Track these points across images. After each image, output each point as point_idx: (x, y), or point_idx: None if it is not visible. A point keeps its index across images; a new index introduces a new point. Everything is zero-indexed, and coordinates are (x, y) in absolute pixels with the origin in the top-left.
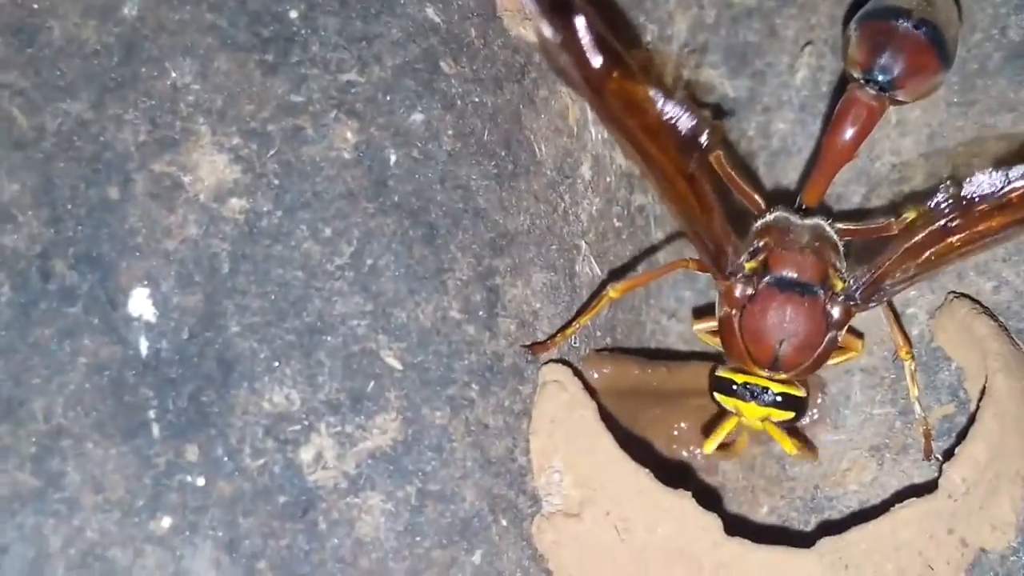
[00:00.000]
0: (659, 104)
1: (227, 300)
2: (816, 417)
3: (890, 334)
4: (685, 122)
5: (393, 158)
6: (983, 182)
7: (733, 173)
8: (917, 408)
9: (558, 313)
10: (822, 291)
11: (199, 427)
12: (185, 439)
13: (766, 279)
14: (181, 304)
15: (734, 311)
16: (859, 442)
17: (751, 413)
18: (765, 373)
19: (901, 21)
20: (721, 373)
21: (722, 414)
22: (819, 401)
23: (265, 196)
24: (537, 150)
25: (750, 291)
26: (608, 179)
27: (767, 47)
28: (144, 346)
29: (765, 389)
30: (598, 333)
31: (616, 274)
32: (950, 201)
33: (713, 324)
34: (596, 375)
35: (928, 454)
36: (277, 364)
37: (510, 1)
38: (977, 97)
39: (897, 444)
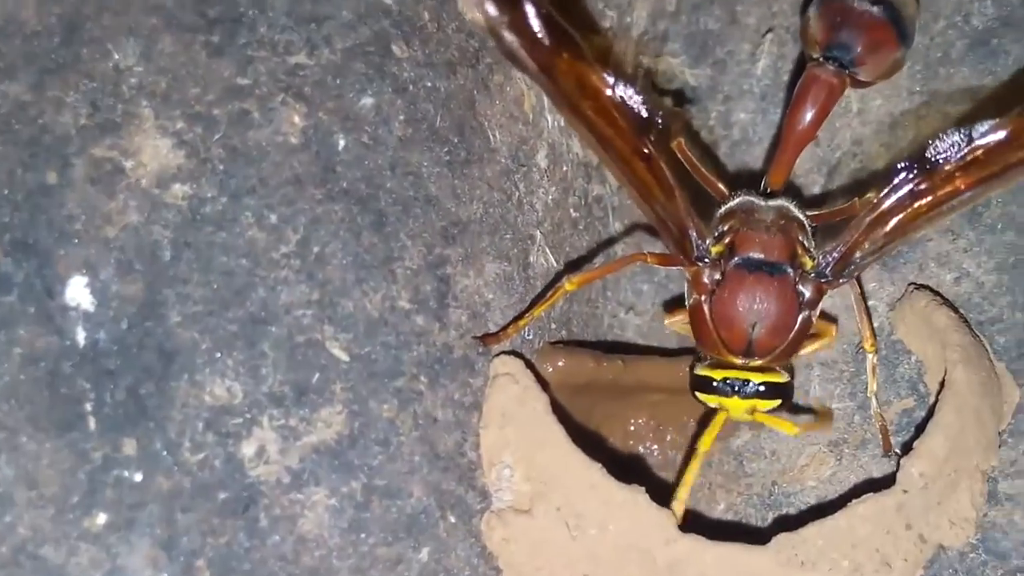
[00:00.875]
0: (612, 85)
1: (168, 289)
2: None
3: (851, 326)
4: (639, 102)
5: (342, 143)
6: (946, 143)
7: (696, 161)
8: (874, 403)
9: (511, 304)
10: (792, 270)
11: (137, 420)
12: (122, 433)
13: (734, 261)
14: (120, 293)
15: (703, 297)
16: (817, 437)
17: (736, 407)
18: (740, 361)
19: (858, 0)
20: (699, 371)
21: (710, 411)
22: None
23: (209, 182)
24: (491, 137)
25: (718, 275)
26: (565, 168)
27: (728, 35)
28: (81, 336)
29: (746, 382)
30: (553, 326)
31: (572, 266)
32: (915, 166)
33: (685, 316)
34: (550, 368)
35: (887, 449)
36: (219, 355)
37: None
38: (939, 86)
39: (856, 439)
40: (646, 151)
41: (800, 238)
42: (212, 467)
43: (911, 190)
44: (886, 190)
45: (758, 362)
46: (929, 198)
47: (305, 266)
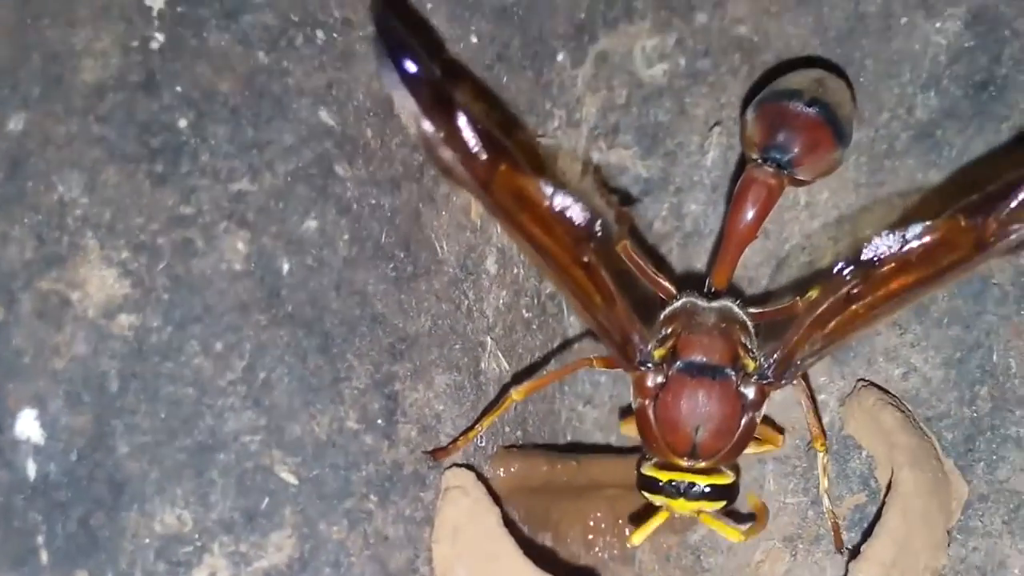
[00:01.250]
0: (550, 195)
1: (116, 420)
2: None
3: (803, 422)
4: (578, 211)
5: (286, 267)
6: (880, 245)
7: (642, 261)
8: (825, 501)
9: (463, 413)
10: (734, 372)
11: (89, 552)
12: (75, 565)
13: (676, 365)
14: (70, 425)
15: (647, 401)
16: (773, 532)
17: (682, 508)
18: (686, 463)
19: (795, 102)
20: (646, 471)
21: (651, 506)
22: None
23: (155, 311)
24: (439, 248)
25: (661, 379)
26: (515, 270)
27: (678, 127)
28: (32, 469)
29: (692, 484)
30: (507, 429)
31: (528, 369)
32: (850, 268)
33: None
34: (504, 473)
35: (838, 546)
36: (168, 484)
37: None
38: (885, 178)
39: (810, 535)
40: (585, 260)
41: (742, 340)
42: None
43: (848, 293)
44: (824, 292)
45: (703, 464)
46: (865, 300)
47: (251, 392)
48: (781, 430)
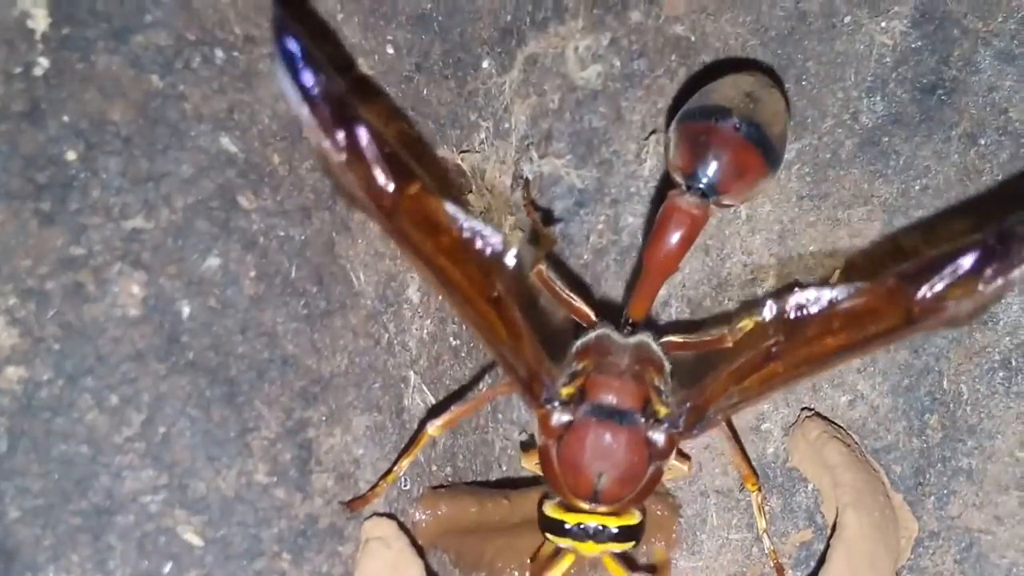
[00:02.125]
0: (459, 223)
1: (5, 482)
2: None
3: (750, 451)
4: (489, 240)
5: (186, 311)
6: (807, 303)
7: (559, 288)
8: (766, 541)
9: (384, 455)
10: (643, 419)
11: None
12: None
13: (583, 407)
14: None
15: (551, 441)
16: (716, 570)
17: (589, 550)
18: (587, 507)
19: (721, 121)
20: (550, 513)
21: (557, 550)
22: (675, 526)
23: (44, 363)
24: (355, 280)
25: (567, 419)
26: (440, 297)
27: (614, 133)
28: None
29: (603, 527)
30: (434, 467)
31: (444, 405)
32: (774, 323)
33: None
34: (431, 516)
35: None
36: (63, 550)
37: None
38: (830, 189)
39: (755, 573)
40: (494, 294)
41: (655, 383)
42: None
43: (768, 350)
44: (744, 344)
45: (603, 509)
46: (786, 360)
47: (151, 449)
48: (688, 457)
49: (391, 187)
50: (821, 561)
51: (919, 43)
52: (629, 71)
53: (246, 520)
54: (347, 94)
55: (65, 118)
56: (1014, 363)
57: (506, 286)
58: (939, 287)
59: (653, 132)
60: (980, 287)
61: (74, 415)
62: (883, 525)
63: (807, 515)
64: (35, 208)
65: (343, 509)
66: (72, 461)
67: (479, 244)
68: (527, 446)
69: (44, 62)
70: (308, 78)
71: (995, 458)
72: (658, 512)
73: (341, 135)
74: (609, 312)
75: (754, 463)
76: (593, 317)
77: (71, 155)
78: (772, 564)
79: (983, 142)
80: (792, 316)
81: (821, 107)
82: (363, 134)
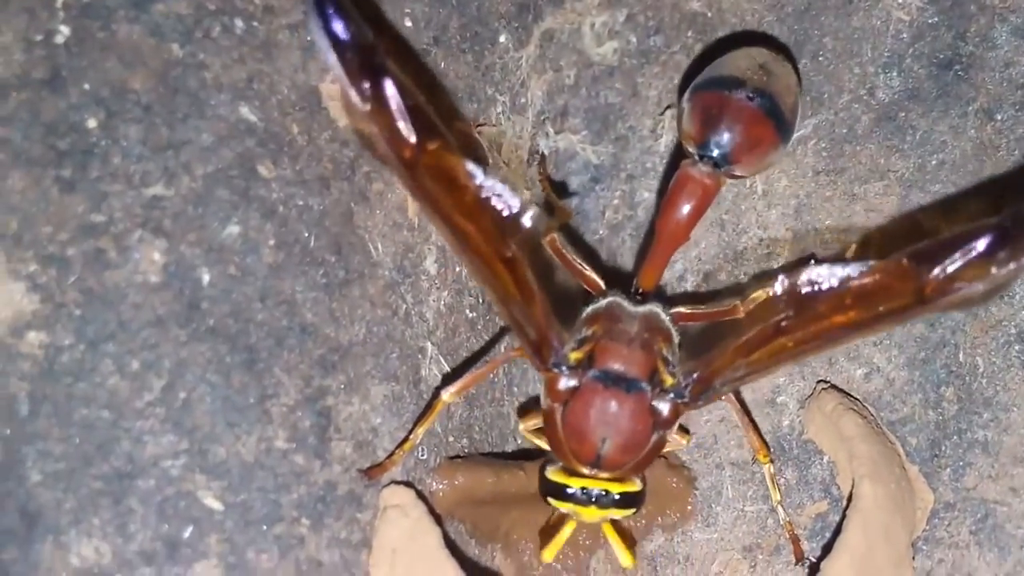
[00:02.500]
0: (478, 180)
1: (27, 446)
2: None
3: (764, 424)
4: (507, 201)
5: (206, 278)
6: (819, 279)
7: (571, 256)
8: (781, 513)
9: (402, 425)
10: (649, 387)
11: None
12: None
13: (591, 372)
14: None
15: (557, 405)
16: (731, 541)
17: (591, 516)
18: (588, 472)
19: (735, 92)
20: (553, 477)
21: (559, 517)
22: (691, 498)
23: (66, 328)
24: (373, 250)
25: (573, 384)
26: (457, 269)
27: (629, 109)
28: None
29: (605, 492)
30: (450, 438)
31: (457, 373)
32: (784, 298)
33: (538, 422)
34: (448, 486)
35: (798, 558)
36: (84, 514)
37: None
38: (846, 164)
39: (770, 544)
40: (509, 254)
41: (663, 352)
42: None
43: (777, 324)
44: (753, 319)
45: (605, 475)
46: (795, 334)
47: (171, 414)
48: (687, 431)
49: (413, 140)
50: (837, 532)
51: (936, 18)
52: (645, 47)
53: (265, 486)
54: (376, 46)
55: (86, 86)
56: None
57: (521, 247)
58: (951, 268)
59: (669, 108)
60: (993, 269)
61: (95, 380)
62: (899, 496)
63: (823, 487)
64: (56, 175)
65: (361, 477)
66: (93, 426)
67: (496, 203)
68: (524, 410)
69: (65, 30)
70: (338, 26)
71: (1011, 430)
72: (673, 484)
73: (367, 85)
74: (620, 282)
75: (770, 435)
76: (603, 286)
77: (92, 123)
78: (787, 535)
79: (1000, 117)
80: (803, 291)
81: (838, 82)
82: (389, 86)
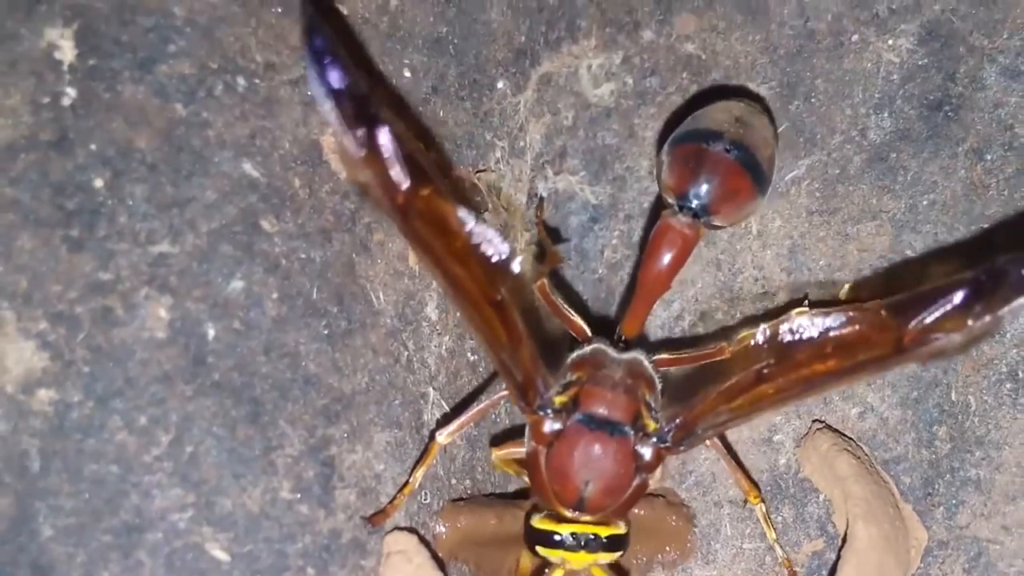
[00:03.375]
0: (468, 227)
1: (39, 501)
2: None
3: (761, 465)
4: (496, 247)
5: (212, 332)
6: (800, 329)
7: (558, 302)
8: (778, 551)
9: (405, 470)
10: (633, 431)
11: None
12: None
13: (575, 416)
14: None
15: (541, 447)
16: None
17: (580, 561)
18: (571, 515)
19: (712, 144)
20: (540, 525)
21: (544, 564)
22: (690, 536)
23: (75, 385)
24: (375, 299)
25: (558, 427)
26: (458, 314)
27: (626, 150)
28: None
29: (595, 536)
30: (453, 480)
31: (451, 415)
32: (765, 346)
33: (513, 451)
34: (451, 529)
35: None
36: (95, 567)
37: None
38: (839, 204)
39: None
40: (498, 298)
41: (647, 398)
42: None
43: (759, 371)
44: (735, 365)
45: (587, 518)
46: (775, 382)
47: (179, 468)
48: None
49: (405, 186)
50: (832, 571)
51: (925, 60)
52: (641, 88)
53: (271, 536)
54: (370, 95)
55: (92, 146)
56: (1021, 375)
57: (510, 292)
58: (929, 319)
59: None
60: (969, 322)
61: (104, 436)
62: (893, 536)
63: (819, 525)
64: (64, 234)
65: (365, 524)
66: (103, 480)
67: (487, 249)
68: (498, 441)
69: (72, 92)
70: (334, 75)
71: (1003, 469)
72: (673, 522)
73: (362, 132)
74: (605, 329)
75: (767, 474)
76: (588, 333)
77: (99, 182)
78: (786, 573)
79: (989, 157)
80: (784, 340)
81: (830, 124)
82: (383, 133)
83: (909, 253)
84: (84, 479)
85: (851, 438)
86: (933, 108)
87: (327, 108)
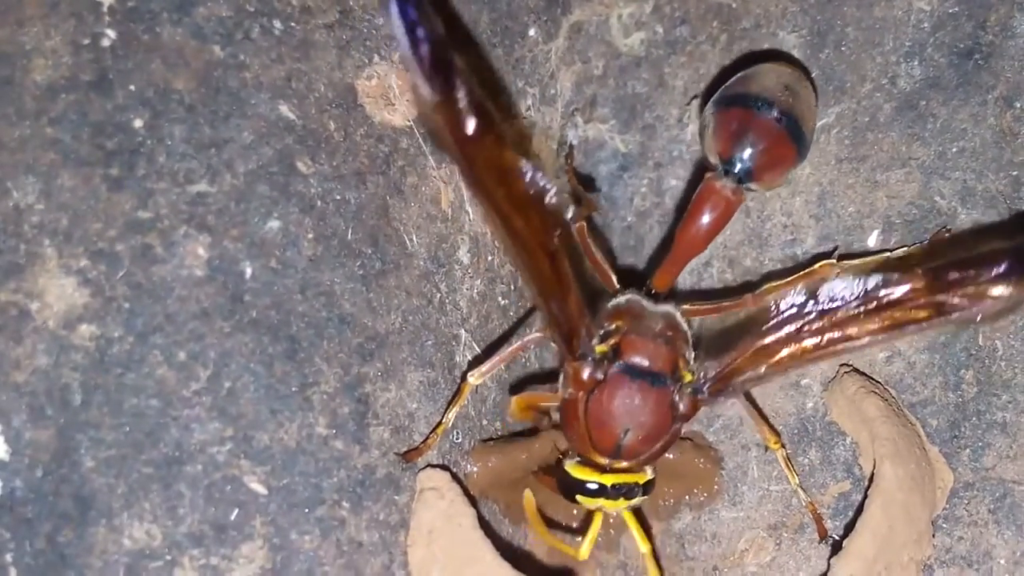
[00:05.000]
0: (528, 176)
1: (80, 434)
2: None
3: (786, 407)
4: (552, 196)
5: (249, 271)
6: (842, 289)
7: (593, 249)
8: (801, 495)
9: (437, 410)
10: (671, 382)
11: (57, 569)
12: None
13: (618, 364)
14: (34, 440)
15: (581, 394)
16: (757, 520)
17: (616, 507)
18: (605, 461)
19: (764, 111)
20: (578, 474)
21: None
22: (717, 478)
23: (115, 321)
24: (408, 241)
25: (600, 375)
26: (489, 258)
27: (656, 99)
28: None
29: (635, 485)
30: (484, 422)
31: (483, 356)
32: (808, 305)
33: (537, 397)
34: (482, 468)
35: (822, 536)
36: (135, 498)
37: (375, 86)
38: (868, 152)
39: (794, 523)
40: (552, 247)
41: (683, 350)
42: None
43: (800, 328)
44: (776, 321)
45: (622, 464)
46: (817, 339)
47: (217, 402)
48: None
49: (474, 133)
50: (859, 511)
51: (956, 8)
52: (672, 37)
53: (307, 470)
54: (447, 40)
55: (132, 87)
56: None
57: (561, 241)
58: (969, 286)
59: (695, 97)
60: (1007, 290)
61: (144, 370)
62: (919, 476)
63: (845, 467)
64: (104, 173)
65: (399, 460)
66: (143, 414)
67: (543, 199)
68: (516, 390)
69: (111, 33)
70: (414, 20)
71: None
72: (701, 465)
73: (437, 77)
74: (631, 279)
75: (794, 417)
76: (616, 284)
77: (138, 123)
78: (811, 514)
79: (1019, 105)
80: (826, 298)
81: (860, 72)
82: (458, 80)
83: (938, 200)
84: (124, 412)
85: (879, 381)
86: (963, 56)
87: (406, 50)
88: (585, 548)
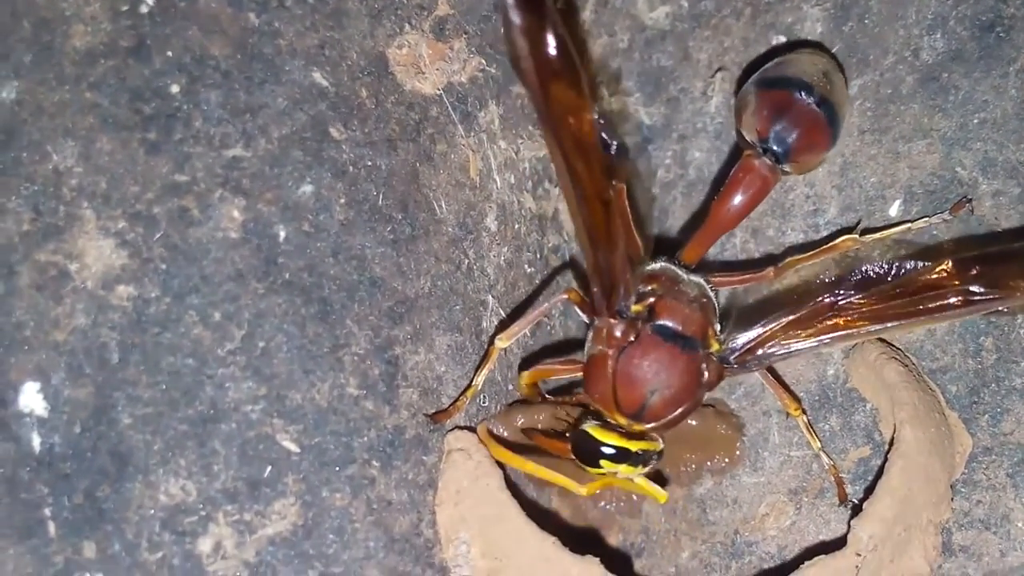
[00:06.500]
0: (596, 124)
1: (118, 392)
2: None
3: (807, 374)
4: (613, 149)
5: (282, 234)
6: (873, 274)
7: (628, 211)
8: (823, 458)
9: (465, 374)
10: (701, 348)
11: (95, 523)
12: (82, 536)
13: (652, 325)
14: (72, 397)
15: (611, 351)
16: (778, 485)
17: (631, 472)
18: (626, 422)
19: (804, 96)
20: (602, 437)
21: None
22: (738, 444)
23: (152, 282)
24: (437, 208)
25: (633, 334)
26: (516, 226)
27: (681, 72)
28: (37, 442)
29: (655, 453)
30: (510, 387)
31: (509, 320)
32: (840, 287)
33: (548, 368)
34: (507, 431)
35: (842, 499)
36: (171, 455)
37: (406, 55)
38: (891, 123)
39: (815, 487)
40: (607, 197)
41: (712, 320)
42: (171, 566)
43: (831, 309)
44: (808, 299)
45: (642, 427)
46: (846, 319)
47: (251, 362)
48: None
49: (556, 65)
50: (879, 475)
51: None
52: (696, 11)
53: (338, 429)
54: None
55: (169, 53)
56: None
57: (616, 194)
58: (996, 278)
59: (719, 70)
60: None
61: (180, 330)
62: (939, 440)
63: (865, 433)
64: (142, 138)
65: (428, 421)
66: (179, 372)
67: (604, 144)
68: (527, 364)
69: (149, 0)
70: None
71: None
72: (722, 430)
73: (532, 19)
74: (656, 248)
75: (815, 384)
76: (642, 251)
77: (175, 88)
78: (832, 479)
79: None
80: (860, 280)
81: (883, 44)
82: (549, 19)
83: (959, 170)
84: (161, 371)
85: (899, 348)
86: (985, 29)
87: None
88: (591, 487)
